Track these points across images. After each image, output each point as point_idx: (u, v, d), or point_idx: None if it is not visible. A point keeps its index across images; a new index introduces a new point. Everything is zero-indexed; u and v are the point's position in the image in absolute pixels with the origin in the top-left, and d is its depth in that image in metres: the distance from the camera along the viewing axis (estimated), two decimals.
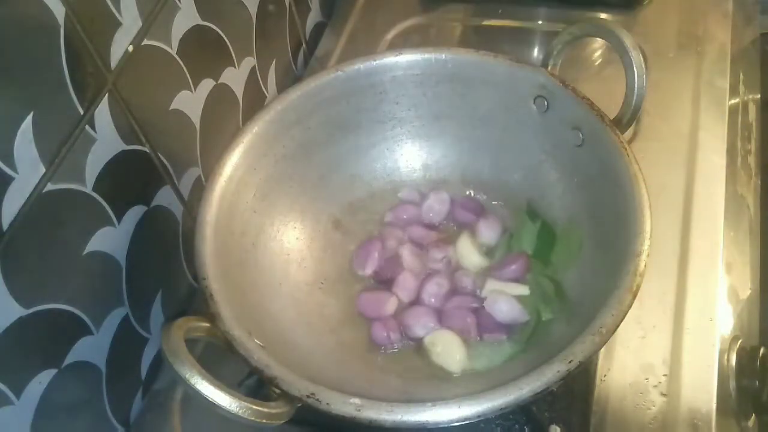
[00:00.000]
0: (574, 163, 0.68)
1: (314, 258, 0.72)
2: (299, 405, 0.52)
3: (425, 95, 0.74)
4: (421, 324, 0.67)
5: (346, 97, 0.73)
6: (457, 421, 0.49)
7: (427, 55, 0.72)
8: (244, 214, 0.67)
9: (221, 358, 0.56)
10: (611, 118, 0.64)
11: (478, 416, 0.49)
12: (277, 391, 0.52)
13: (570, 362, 0.50)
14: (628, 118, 0.65)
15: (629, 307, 0.53)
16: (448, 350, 0.65)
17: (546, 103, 0.69)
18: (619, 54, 0.65)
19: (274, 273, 0.69)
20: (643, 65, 0.64)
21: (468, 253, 0.71)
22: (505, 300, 0.66)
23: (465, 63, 0.72)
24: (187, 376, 0.48)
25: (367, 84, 0.73)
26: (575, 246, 0.67)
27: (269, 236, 0.70)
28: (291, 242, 0.72)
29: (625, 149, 0.61)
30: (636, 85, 0.64)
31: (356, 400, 0.50)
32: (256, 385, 0.62)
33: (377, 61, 0.73)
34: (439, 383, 0.64)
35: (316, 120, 0.72)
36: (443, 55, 0.72)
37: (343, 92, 0.73)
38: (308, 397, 0.51)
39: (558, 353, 0.51)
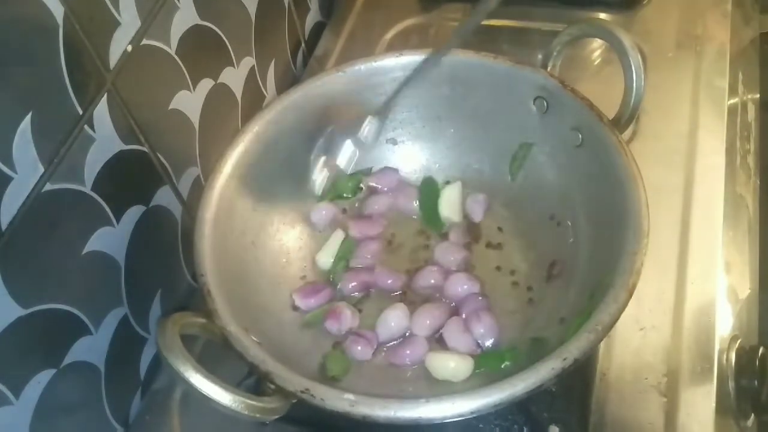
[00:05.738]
0: (573, 163, 0.68)
1: (314, 258, 0.72)
2: (294, 401, 0.52)
3: (426, 96, 0.74)
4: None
5: (347, 98, 0.73)
6: (451, 418, 0.50)
7: (427, 57, 0.72)
8: (244, 213, 0.67)
9: (219, 358, 0.56)
10: (610, 118, 0.64)
11: (472, 413, 0.49)
12: (272, 386, 0.53)
13: (565, 359, 0.50)
14: (627, 117, 0.65)
15: (625, 304, 0.53)
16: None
17: (545, 103, 0.69)
18: (617, 54, 0.65)
19: (274, 272, 0.69)
20: (641, 65, 0.64)
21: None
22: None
23: (465, 64, 0.72)
24: (181, 369, 0.49)
25: (368, 85, 0.73)
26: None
27: (269, 235, 0.70)
28: (291, 242, 0.72)
29: (624, 149, 0.61)
30: (634, 85, 0.64)
31: (350, 396, 0.50)
32: (255, 385, 0.62)
33: (378, 62, 0.73)
34: (437, 383, 0.64)
35: (316, 121, 0.72)
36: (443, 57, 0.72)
37: (344, 93, 0.73)
38: (302, 392, 0.51)
39: (553, 351, 0.51)
